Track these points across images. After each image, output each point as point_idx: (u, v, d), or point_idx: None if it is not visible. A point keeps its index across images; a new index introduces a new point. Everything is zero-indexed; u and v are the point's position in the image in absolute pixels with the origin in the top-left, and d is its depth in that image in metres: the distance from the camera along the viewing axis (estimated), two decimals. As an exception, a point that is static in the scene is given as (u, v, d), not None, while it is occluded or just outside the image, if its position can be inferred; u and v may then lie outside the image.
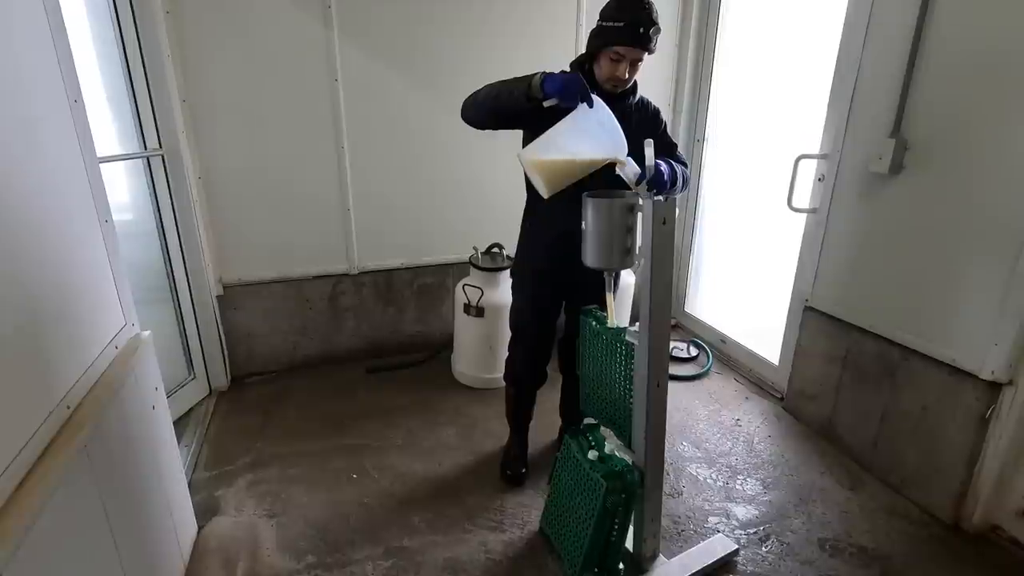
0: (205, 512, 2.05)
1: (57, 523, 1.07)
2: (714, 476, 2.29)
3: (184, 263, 2.62)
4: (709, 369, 3.12)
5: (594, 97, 1.56)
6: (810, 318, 2.54)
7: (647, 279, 1.51)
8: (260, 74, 2.60)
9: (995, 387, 1.86)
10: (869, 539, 1.97)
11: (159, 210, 2.50)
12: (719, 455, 2.42)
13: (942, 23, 1.89)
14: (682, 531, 2.02)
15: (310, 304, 3.03)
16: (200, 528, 1.97)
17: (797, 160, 2.44)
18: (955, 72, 1.87)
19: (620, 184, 1.63)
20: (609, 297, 1.72)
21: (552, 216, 1.91)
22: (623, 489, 1.63)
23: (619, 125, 1.57)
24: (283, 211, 2.82)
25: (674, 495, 2.19)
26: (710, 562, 1.84)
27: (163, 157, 2.44)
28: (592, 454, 1.74)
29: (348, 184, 2.87)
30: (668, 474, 2.28)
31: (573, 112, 1.57)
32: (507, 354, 2.22)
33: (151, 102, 2.37)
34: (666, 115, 2.03)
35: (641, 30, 1.64)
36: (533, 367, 2.16)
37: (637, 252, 1.59)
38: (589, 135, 1.57)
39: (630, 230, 1.57)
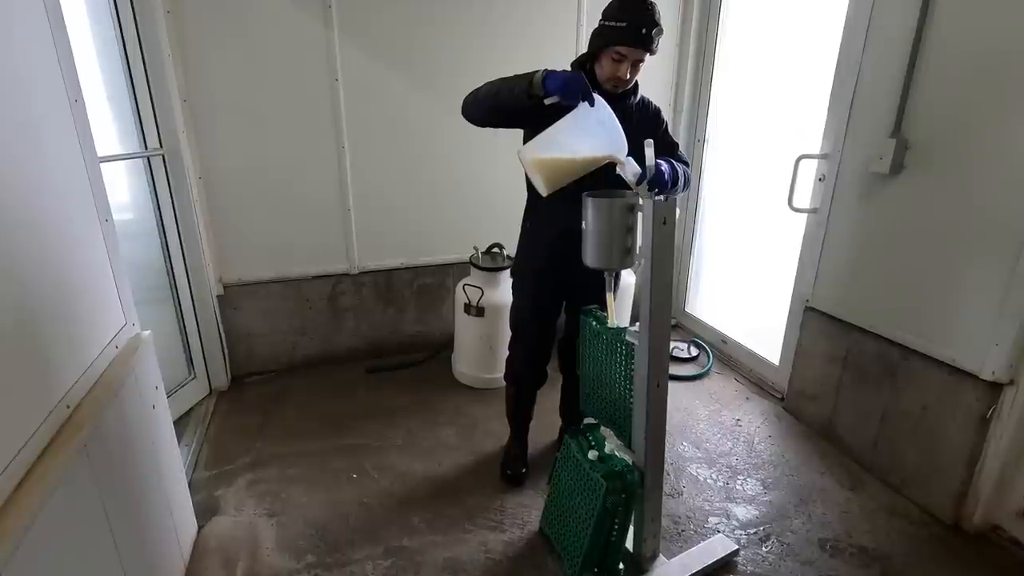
0: (205, 512, 2.05)
1: (56, 523, 1.07)
2: (714, 476, 2.29)
3: (184, 263, 2.62)
4: (709, 369, 3.12)
5: (595, 96, 1.56)
6: (810, 318, 2.54)
7: (647, 279, 1.51)
8: (260, 74, 2.60)
9: (996, 387, 1.85)
10: (869, 539, 1.97)
11: (159, 210, 2.50)
12: (719, 455, 2.42)
13: (942, 24, 1.89)
14: (682, 531, 2.01)
15: (310, 304, 3.03)
16: (200, 528, 1.97)
17: (798, 160, 2.44)
18: (955, 73, 1.87)
19: (622, 184, 1.63)
20: (609, 297, 1.72)
21: (553, 215, 1.91)
22: (623, 489, 1.63)
23: (620, 125, 1.57)
24: (283, 211, 2.82)
25: (674, 495, 2.18)
26: (710, 562, 1.84)
27: (163, 157, 2.44)
28: (592, 454, 1.74)
29: (348, 184, 2.87)
30: (668, 474, 2.28)
31: (574, 110, 1.57)
32: (507, 354, 2.22)
33: (151, 102, 2.37)
34: (667, 115, 2.03)
35: (643, 31, 1.64)
36: (533, 366, 2.16)
37: (637, 252, 1.58)
38: (589, 134, 1.57)
39: (630, 230, 1.57)
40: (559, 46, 2.96)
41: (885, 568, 1.85)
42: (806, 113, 2.56)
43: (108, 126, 2.28)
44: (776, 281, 2.84)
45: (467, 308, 2.79)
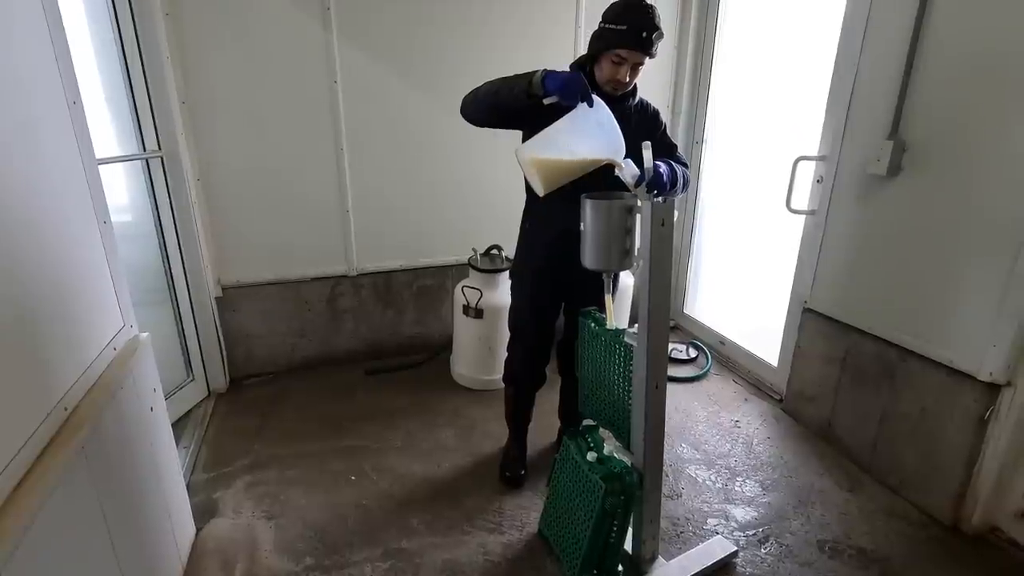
0: (203, 514, 2.04)
1: (54, 524, 1.07)
2: (713, 478, 2.29)
3: (183, 265, 2.62)
4: (708, 371, 3.12)
5: (594, 97, 1.56)
6: (809, 319, 2.54)
7: (646, 280, 1.51)
8: (259, 76, 2.60)
9: (994, 388, 1.86)
10: (868, 540, 1.97)
11: (158, 211, 2.50)
12: (718, 457, 2.42)
13: (939, 25, 1.89)
14: (681, 533, 2.01)
15: (309, 306, 3.03)
16: (198, 530, 1.96)
17: (796, 162, 2.44)
18: (952, 74, 1.88)
19: (621, 185, 1.63)
20: (608, 298, 1.72)
21: (551, 216, 1.91)
22: (622, 491, 1.63)
23: (618, 126, 1.58)
24: (282, 213, 2.82)
25: (673, 497, 2.18)
26: (709, 564, 1.84)
27: (162, 159, 2.44)
28: (591, 456, 1.74)
29: (347, 186, 2.87)
30: (667, 476, 2.28)
31: (572, 111, 1.57)
32: (506, 355, 2.22)
33: (150, 104, 2.37)
34: (665, 117, 2.03)
35: (644, 34, 1.64)
36: (532, 367, 2.16)
37: (636, 254, 1.59)
38: (588, 135, 1.57)
39: (629, 231, 1.58)
40: (558, 48, 2.97)
41: (884, 569, 1.85)
42: (804, 115, 2.57)
43: (106, 128, 2.28)
44: (774, 282, 2.84)
45: (466, 310, 2.79)
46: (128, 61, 2.28)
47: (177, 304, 2.65)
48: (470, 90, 1.78)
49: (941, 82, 1.91)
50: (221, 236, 2.76)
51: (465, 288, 2.79)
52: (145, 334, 1.68)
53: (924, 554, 1.91)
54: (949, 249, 1.94)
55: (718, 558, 1.86)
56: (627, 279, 3.06)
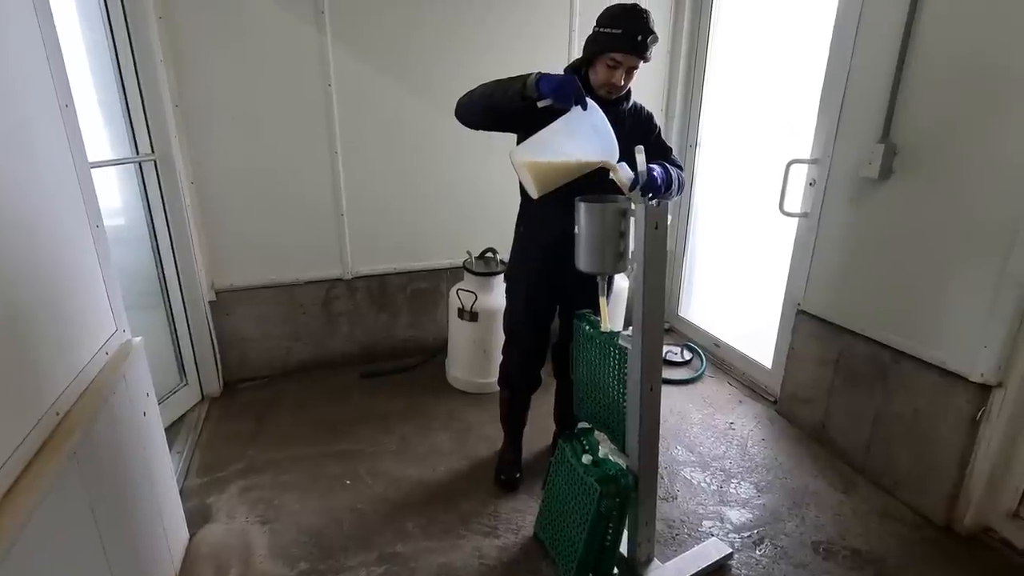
0: (197, 519, 2.03)
1: (46, 530, 1.06)
2: (708, 480, 2.30)
3: (176, 268, 2.61)
4: (703, 373, 3.13)
5: (588, 100, 1.56)
6: (802, 322, 2.56)
7: (640, 283, 1.52)
8: (253, 79, 2.60)
9: (985, 389, 1.87)
10: (862, 542, 1.97)
11: (151, 215, 2.49)
12: (713, 459, 2.43)
13: (929, 30, 1.91)
14: (676, 535, 2.01)
15: (303, 309, 3.02)
16: (192, 535, 1.95)
17: (788, 165, 2.46)
18: (942, 77, 1.89)
19: (616, 188, 1.63)
20: (602, 301, 1.72)
21: (546, 219, 1.92)
22: (617, 493, 1.63)
23: (612, 129, 1.58)
24: (276, 216, 2.82)
25: (668, 499, 2.19)
26: (705, 566, 1.84)
27: (155, 162, 2.43)
28: (586, 458, 1.74)
29: (342, 189, 2.87)
30: (662, 478, 2.28)
31: (566, 114, 1.58)
32: (501, 358, 2.22)
33: (143, 107, 2.36)
34: (659, 121, 2.04)
35: (639, 38, 1.65)
36: (527, 370, 2.16)
37: (630, 256, 1.59)
38: (581, 138, 1.58)
39: (623, 235, 1.58)
40: (552, 51, 2.97)
41: (878, 570, 1.86)
42: (796, 118, 2.59)
43: (99, 131, 2.27)
44: (768, 285, 2.86)
45: (461, 313, 2.79)
46: (121, 64, 2.27)
47: (170, 308, 2.64)
48: (464, 93, 1.78)
49: (931, 86, 1.93)
50: (215, 239, 2.75)
51: (460, 291, 2.79)
52: (138, 338, 1.67)
53: (918, 555, 1.92)
54: (940, 251, 1.96)
55: (713, 560, 1.86)
56: (622, 282, 3.07)
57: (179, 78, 2.48)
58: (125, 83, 2.30)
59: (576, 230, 1.63)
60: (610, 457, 1.76)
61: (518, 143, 1.84)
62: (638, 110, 1.93)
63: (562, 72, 1.83)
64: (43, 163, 1.27)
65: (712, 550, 1.90)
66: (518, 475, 2.25)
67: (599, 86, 1.77)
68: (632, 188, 1.58)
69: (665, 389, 1.98)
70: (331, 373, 3.09)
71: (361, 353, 3.19)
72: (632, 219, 1.54)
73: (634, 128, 1.87)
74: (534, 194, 1.63)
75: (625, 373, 1.65)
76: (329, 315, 3.08)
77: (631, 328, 1.59)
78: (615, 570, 1.76)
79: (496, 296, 2.73)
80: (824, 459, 2.41)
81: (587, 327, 1.79)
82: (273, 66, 2.60)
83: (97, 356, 1.42)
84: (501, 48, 2.89)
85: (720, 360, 3.26)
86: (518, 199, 2.02)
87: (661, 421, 1.68)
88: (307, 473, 2.30)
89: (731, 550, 1.91)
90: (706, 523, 2.07)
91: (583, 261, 1.65)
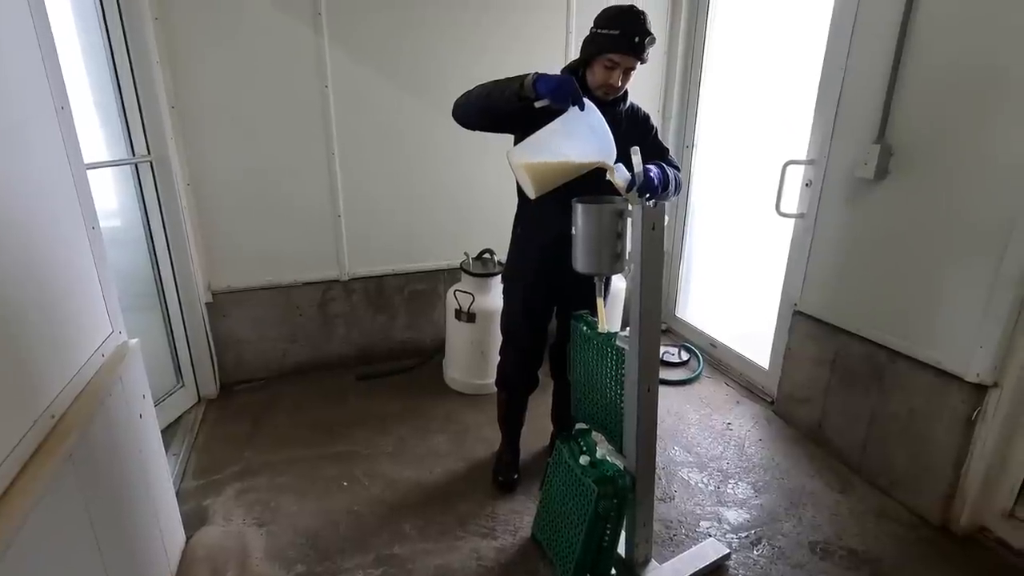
0: (193, 521, 2.02)
1: (42, 533, 1.06)
2: (705, 480, 2.30)
3: (172, 270, 2.60)
4: (700, 373, 3.14)
5: (585, 101, 1.57)
6: (799, 322, 2.56)
7: (637, 284, 1.52)
8: (250, 80, 2.59)
9: (980, 389, 1.88)
10: (859, 542, 1.98)
11: (147, 217, 2.48)
12: (710, 459, 2.43)
13: (924, 32, 1.92)
14: (674, 536, 2.02)
15: (300, 311, 3.01)
16: (188, 538, 1.94)
17: (785, 166, 2.47)
18: (937, 79, 1.90)
19: (613, 189, 1.64)
20: (600, 302, 1.73)
21: (543, 220, 1.92)
22: (615, 494, 1.63)
23: (609, 130, 1.59)
24: (273, 217, 2.81)
25: (666, 499, 2.19)
26: (702, 566, 1.84)
27: (151, 163, 2.43)
28: (584, 459, 1.74)
29: (339, 190, 2.87)
30: (660, 478, 2.28)
31: (564, 114, 1.58)
32: (499, 359, 2.22)
33: (140, 108, 2.35)
34: (656, 122, 2.05)
35: (636, 39, 1.66)
36: (525, 371, 2.16)
37: (627, 257, 1.59)
38: (579, 138, 1.58)
39: (619, 235, 1.58)
40: (549, 52, 2.98)
41: (875, 570, 1.86)
42: (793, 119, 2.60)
43: (95, 132, 2.26)
44: (765, 285, 2.86)
45: (458, 314, 2.78)
46: (117, 65, 2.26)
47: (167, 309, 2.63)
48: (462, 93, 1.78)
49: (927, 86, 1.94)
50: (211, 241, 2.75)
51: (457, 292, 2.79)
52: (134, 340, 1.67)
53: (914, 555, 1.93)
54: (936, 251, 1.96)
55: (711, 560, 1.86)
56: (619, 282, 3.07)
57: (175, 79, 2.47)
58: (121, 84, 2.29)
59: (573, 231, 1.64)
60: (607, 458, 1.76)
61: (515, 144, 1.85)
62: (635, 111, 1.93)
63: (559, 73, 1.83)
64: (39, 165, 1.27)
65: (709, 550, 1.90)
66: (516, 476, 2.25)
67: (596, 87, 1.78)
68: (629, 189, 1.58)
69: (662, 390, 1.97)
70: (328, 375, 3.09)
71: (358, 355, 3.19)
72: (629, 220, 1.54)
73: (631, 129, 1.88)
74: (531, 195, 1.64)
75: (622, 374, 1.65)
76: (326, 317, 3.07)
77: (628, 329, 1.59)
78: (613, 571, 1.76)
79: (494, 297, 2.73)
80: (821, 459, 2.42)
81: (584, 328, 1.80)
82: (270, 67, 2.60)
83: (93, 358, 1.42)
84: (498, 49, 2.89)
85: (717, 360, 3.26)
86: (515, 200, 2.02)
87: (658, 422, 1.69)
88: (304, 475, 2.30)
89: (728, 550, 1.92)
90: (703, 523, 2.07)
91: (580, 262, 1.66)
